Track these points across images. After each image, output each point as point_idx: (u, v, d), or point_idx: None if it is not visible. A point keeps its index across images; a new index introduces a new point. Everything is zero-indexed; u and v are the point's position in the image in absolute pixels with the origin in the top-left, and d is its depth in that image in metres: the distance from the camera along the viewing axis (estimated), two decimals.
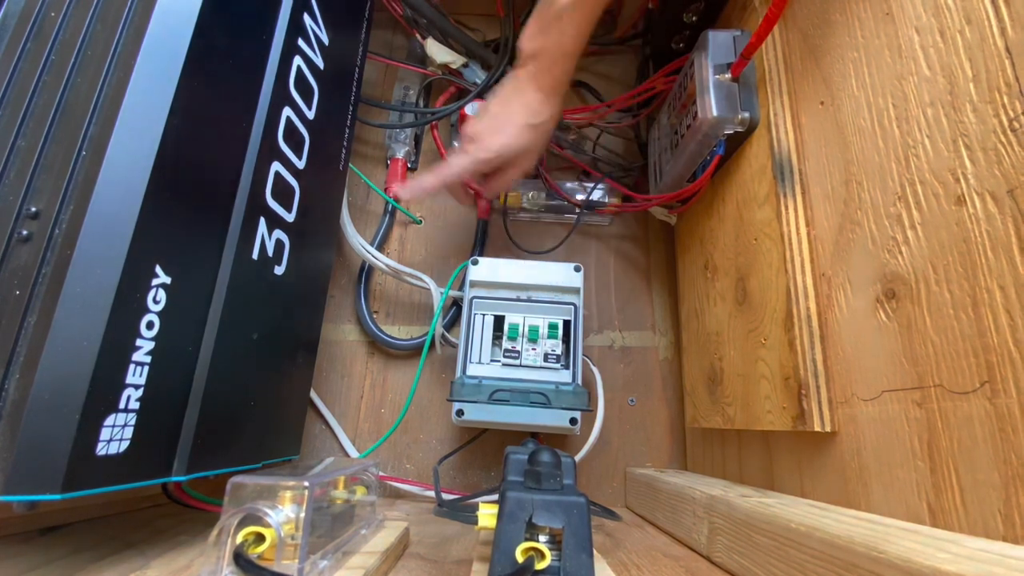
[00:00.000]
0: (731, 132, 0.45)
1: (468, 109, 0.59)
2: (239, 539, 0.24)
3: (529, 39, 0.47)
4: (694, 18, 0.54)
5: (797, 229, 0.39)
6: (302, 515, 0.26)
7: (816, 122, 0.39)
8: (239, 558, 0.24)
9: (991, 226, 0.25)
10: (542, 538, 0.26)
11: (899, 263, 0.30)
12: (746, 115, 0.44)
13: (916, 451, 0.28)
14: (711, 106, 0.44)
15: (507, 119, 0.48)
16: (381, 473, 0.56)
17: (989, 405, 0.24)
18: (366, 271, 0.63)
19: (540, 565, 0.25)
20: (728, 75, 0.44)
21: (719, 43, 0.46)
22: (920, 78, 0.30)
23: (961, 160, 0.27)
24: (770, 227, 0.41)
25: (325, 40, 0.48)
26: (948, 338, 0.27)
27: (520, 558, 0.25)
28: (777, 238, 0.40)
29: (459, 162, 0.49)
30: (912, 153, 0.30)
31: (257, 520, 0.25)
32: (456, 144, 0.57)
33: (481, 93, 0.63)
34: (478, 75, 0.66)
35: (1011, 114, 0.24)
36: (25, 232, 0.27)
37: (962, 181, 0.26)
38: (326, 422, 0.58)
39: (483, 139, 0.48)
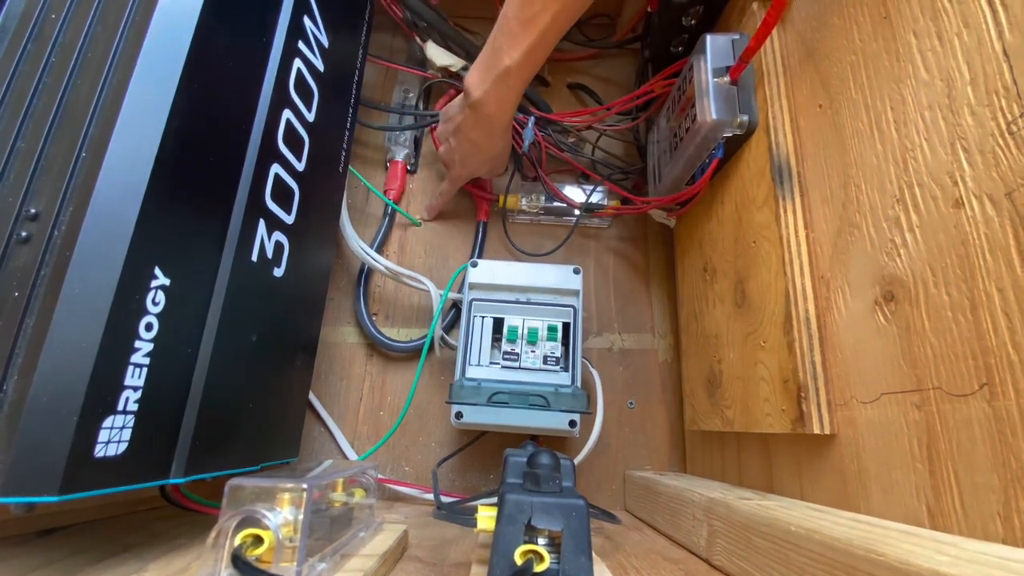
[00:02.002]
0: (730, 135, 0.45)
1: None
2: (237, 541, 0.24)
3: (476, 86, 0.50)
4: (693, 22, 0.54)
5: (796, 232, 0.39)
6: (300, 517, 0.26)
7: (814, 125, 0.39)
8: (237, 560, 0.24)
9: (989, 229, 0.25)
10: (541, 541, 0.26)
11: (897, 266, 0.30)
12: (745, 118, 0.44)
13: (915, 453, 0.28)
14: (710, 109, 0.44)
15: (465, 156, 0.57)
16: (380, 475, 0.56)
17: (988, 407, 0.24)
18: (365, 273, 0.63)
19: (539, 568, 0.25)
20: (727, 78, 0.45)
21: (718, 46, 0.46)
22: (918, 81, 0.30)
23: (959, 163, 0.27)
24: (769, 230, 0.41)
25: (325, 43, 0.48)
26: (947, 340, 0.27)
27: (519, 561, 0.25)
28: (776, 241, 0.40)
29: (447, 187, 0.63)
30: (910, 156, 0.30)
31: (255, 522, 0.25)
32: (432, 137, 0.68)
33: None
34: None
35: (1009, 117, 0.24)
36: (24, 233, 0.27)
37: (960, 184, 0.27)
38: (325, 424, 0.58)
39: (453, 169, 0.60)
